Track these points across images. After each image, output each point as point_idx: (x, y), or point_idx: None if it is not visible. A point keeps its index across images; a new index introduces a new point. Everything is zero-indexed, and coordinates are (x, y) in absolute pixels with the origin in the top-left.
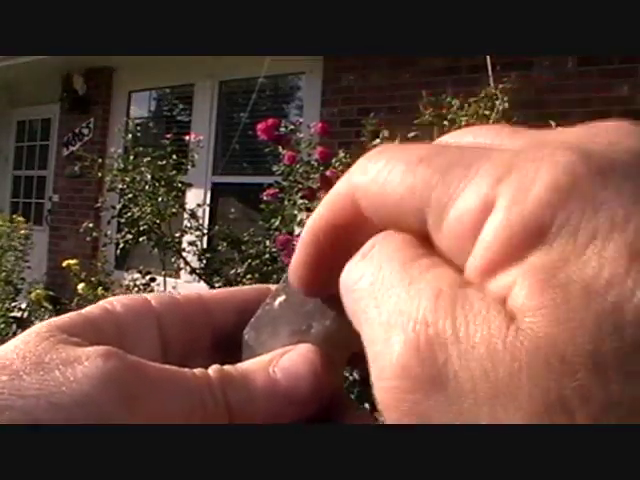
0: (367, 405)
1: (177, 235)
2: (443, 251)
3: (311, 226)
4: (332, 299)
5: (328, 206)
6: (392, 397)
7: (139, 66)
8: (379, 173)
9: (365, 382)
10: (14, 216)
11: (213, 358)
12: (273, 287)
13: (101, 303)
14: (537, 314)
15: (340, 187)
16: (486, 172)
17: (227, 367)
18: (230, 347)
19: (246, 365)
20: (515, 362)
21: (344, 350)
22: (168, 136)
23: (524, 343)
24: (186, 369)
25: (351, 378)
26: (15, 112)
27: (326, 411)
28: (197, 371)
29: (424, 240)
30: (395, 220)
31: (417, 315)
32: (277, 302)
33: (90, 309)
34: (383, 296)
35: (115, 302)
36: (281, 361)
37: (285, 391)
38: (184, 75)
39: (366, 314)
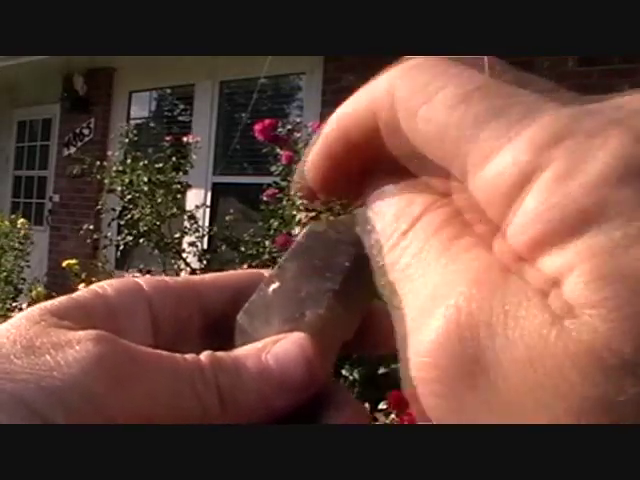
0: (367, 405)
1: (177, 236)
2: (471, 202)
3: (337, 120)
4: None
5: (361, 103)
6: (425, 373)
7: (139, 66)
8: (423, 91)
9: (365, 382)
10: (14, 216)
11: (204, 342)
12: (266, 272)
13: (92, 287)
14: (595, 309)
15: (378, 89)
16: (539, 129)
17: (219, 353)
18: (221, 331)
19: (238, 351)
20: (567, 358)
21: (337, 339)
22: (167, 138)
23: (579, 337)
24: (177, 354)
25: (351, 378)
26: (16, 112)
27: (317, 399)
28: (188, 356)
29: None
30: (426, 152)
31: (460, 289)
32: (271, 289)
33: (81, 293)
34: (429, 266)
35: (106, 286)
36: (274, 348)
37: (277, 378)
38: (184, 75)
39: (412, 282)
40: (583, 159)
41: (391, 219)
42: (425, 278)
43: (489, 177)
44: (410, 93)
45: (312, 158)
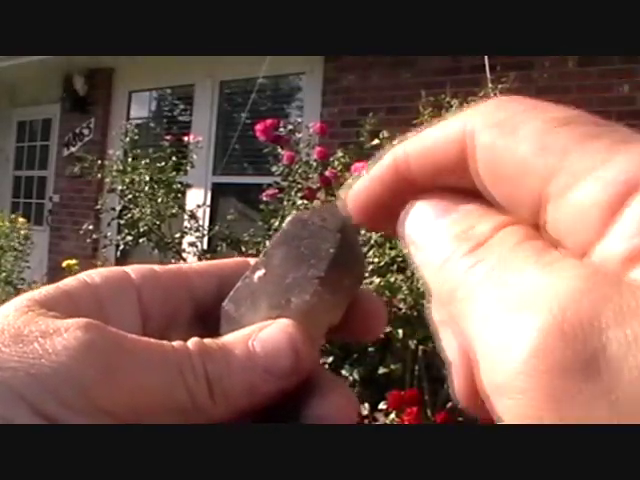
0: (367, 405)
1: (177, 236)
2: (555, 224)
3: (404, 150)
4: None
5: (438, 138)
6: (522, 382)
7: (139, 66)
8: (511, 119)
9: (365, 382)
10: (14, 216)
11: (193, 330)
12: (252, 260)
13: (80, 276)
14: None
15: (455, 125)
16: (633, 155)
17: (206, 340)
18: (209, 319)
19: (225, 338)
20: None
21: (323, 324)
22: (168, 137)
23: None
24: (165, 341)
25: (351, 378)
26: (16, 112)
27: (305, 385)
28: (176, 343)
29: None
30: (509, 176)
31: (565, 291)
32: (256, 276)
33: (68, 282)
34: (510, 279)
35: (94, 275)
36: (260, 334)
37: (264, 364)
38: (184, 75)
39: (487, 299)
40: None
41: (449, 240)
42: (509, 290)
43: (579, 198)
44: (491, 127)
45: (364, 185)
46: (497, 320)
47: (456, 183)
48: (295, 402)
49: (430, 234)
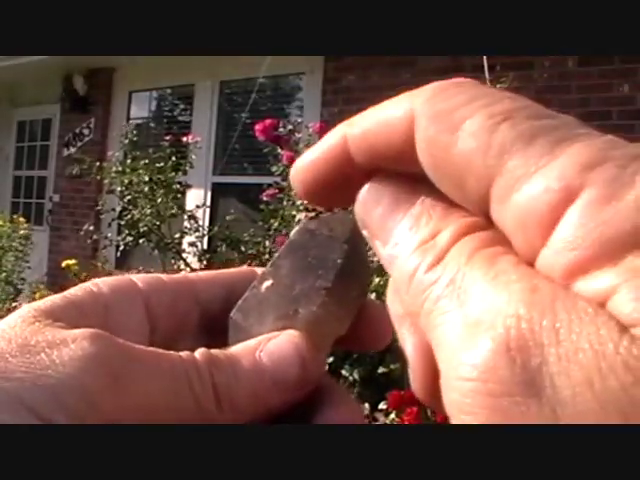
0: (367, 405)
1: (177, 236)
2: (498, 227)
3: (346, 132)
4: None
5: (381, 125)
6: (472, 401)
7: (139, 66)
8: (452, 112)
9: (365, 382)
10: (14, 216)
11: (200, 339)
12: (259, 270)
13: (86, 285)
14: None
15: (397, 111)
16: (575, 153)
17: (214, 350)
18: (216, 328)
19: (233, 349)
20: (629, 374)
21: (331, 335)
22: (167, 138)
23: None
24: (172, 352)
25: (351, 378)
26: (16, 112)
27: (313, 397)
28: (184, 354)
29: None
30: (453, 173)
31: (508, 309)
32: (264, 286)
33: (75, 291)
34: (466, 293)
35: (101, 283)
36: (267, 345)
37: (271, 375)
38: (184, 75)
39: (446, 315)
40: (617, 186)
41: (413, 249)
42: (463, 306)
43: (519, 204)
44: (432, 120)
45: (308, 162)
46: (455, 337)
47: (405, 166)
48: (302, 413)
49: (390, 229)
